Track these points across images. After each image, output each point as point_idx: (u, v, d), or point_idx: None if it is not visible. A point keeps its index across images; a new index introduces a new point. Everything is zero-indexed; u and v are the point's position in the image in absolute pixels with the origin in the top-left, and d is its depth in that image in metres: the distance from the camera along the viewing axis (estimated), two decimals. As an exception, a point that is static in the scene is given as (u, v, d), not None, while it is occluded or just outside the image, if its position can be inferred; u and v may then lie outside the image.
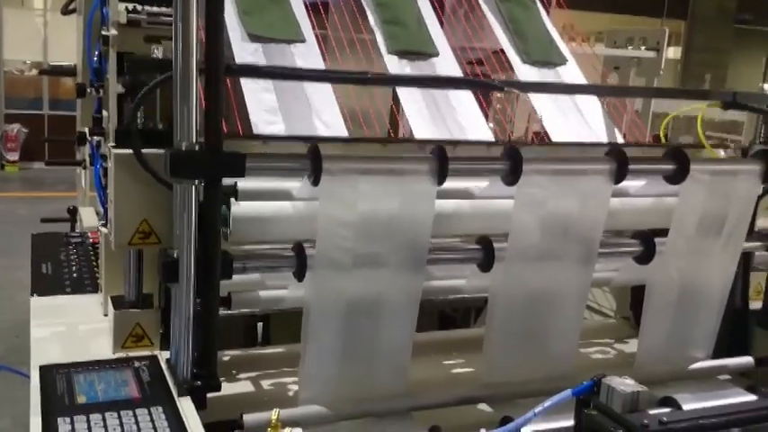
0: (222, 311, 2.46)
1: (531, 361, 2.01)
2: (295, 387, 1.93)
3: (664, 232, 2.09)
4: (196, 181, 1.55)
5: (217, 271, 1.61)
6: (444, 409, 1.92)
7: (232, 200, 1.71)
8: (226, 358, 2.16)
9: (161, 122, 1.82)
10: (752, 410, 1.89)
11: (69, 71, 3.36)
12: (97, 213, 3.00)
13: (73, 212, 3.34)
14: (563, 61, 2.60)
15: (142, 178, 1.69)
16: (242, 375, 2.10)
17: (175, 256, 1.60)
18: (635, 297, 2.59)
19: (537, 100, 2.49)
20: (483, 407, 1.99)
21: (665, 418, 1.63)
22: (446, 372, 2.25)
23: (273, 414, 1.03)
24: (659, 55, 3.04)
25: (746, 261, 2.30)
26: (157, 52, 1.82)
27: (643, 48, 3.08)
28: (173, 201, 1.60)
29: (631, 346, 2.37)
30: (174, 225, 1.62)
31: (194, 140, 1.54)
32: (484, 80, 2.47)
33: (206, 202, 1.58)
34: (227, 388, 1.98)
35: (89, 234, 2.82)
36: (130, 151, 1.64)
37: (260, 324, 2.65)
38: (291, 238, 1.79)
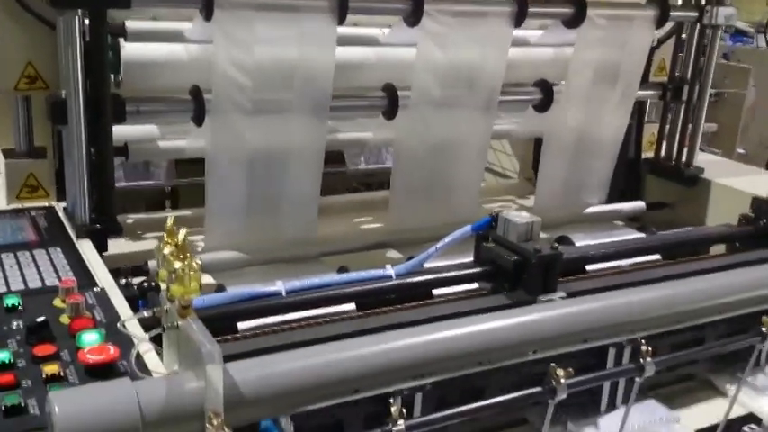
0: (126, 183, 2.43)
1: (435, 208, 2.07)
2: (203, 243, 1.93)
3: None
4: (79, 11, 1.47)
5: (108, 112, 1.56)
6: (353, 255, 1.96)
7: (121, 41, 1.65)
8: (130, 221, 2.12)
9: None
10: (639, 244, 2.03)
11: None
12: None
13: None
14: None
15: (24, 20, 1.62)
16: (148, 235, 2.07)
17: (63, 96, 1.53)
18: (537, 158, 2.67)
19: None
20: (391, 254, 2.05)
21: (556, 244, 1.72)
22: (356, 227, 2.29)
23: (169, 220, 1.02)
24: None
25: (640, 111, 2.40)
26: None
27: None
28: (57, 39, 1.53)
29: (532, 201, 2.46)
30: (59, 64, 1.55)
31: (74, -31, 1.45)
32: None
33: (92, 38, 1.51)
34: (134, 246, 1.97)
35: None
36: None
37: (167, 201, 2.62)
38: (188, 86, 1.74)
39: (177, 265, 1.00)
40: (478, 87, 1.98)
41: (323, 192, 1.95)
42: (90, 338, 1.11)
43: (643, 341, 1.29)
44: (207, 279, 1.72)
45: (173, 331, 1.05)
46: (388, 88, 1.93)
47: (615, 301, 1.32)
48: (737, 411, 1.61)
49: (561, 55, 2.19)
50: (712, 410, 1.61)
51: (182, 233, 1.01)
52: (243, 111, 1.69)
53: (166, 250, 1.02)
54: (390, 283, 1.64)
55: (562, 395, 1.18)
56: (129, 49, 1.66)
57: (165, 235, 1.03)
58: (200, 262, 1.01)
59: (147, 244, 2.02)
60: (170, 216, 1.04)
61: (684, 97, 2.32)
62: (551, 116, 2.16)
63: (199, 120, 1.68)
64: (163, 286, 1.04)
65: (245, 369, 1.03)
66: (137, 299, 1.37)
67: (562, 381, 1.18)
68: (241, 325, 1.48)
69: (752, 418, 1.63)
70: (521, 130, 2.33)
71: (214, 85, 1.65)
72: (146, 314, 1.11)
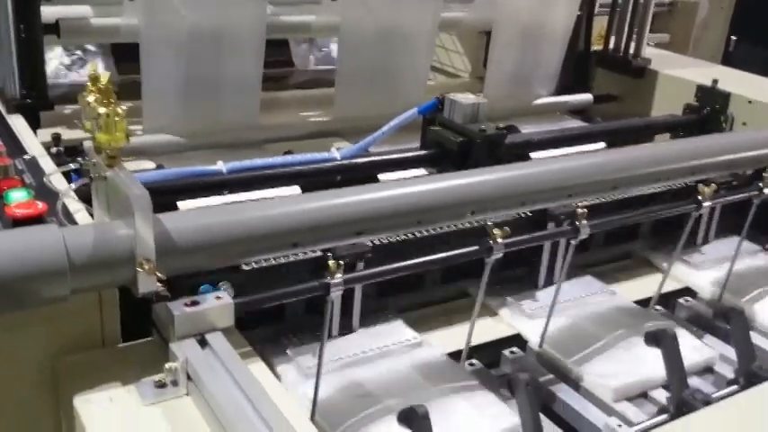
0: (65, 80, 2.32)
1: (381, 96, 2.04)
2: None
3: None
4: None
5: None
6: (298, 143, 1.93)
7: None
8: (67, 111, 2.04)
9: None
10: (584, 131, 2.04)
11: None
12: None
13: None
14: None
15: None
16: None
17: (-16, -37, 1.45)
18: (488, 57, 2.64)
19: None
20: (338, 143, 2.02)
21: (501, 125, 1.72)
22: (304, 119, 2.24)
23: (90, 66, 0.98)
24: None
25: (591, 3, 2.37)
26: None
27: None
28: None
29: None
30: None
31: None
32: None
33: None
34: (70, 134, 1.90)
35: None
36: None
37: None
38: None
39: (102, 110, 0.96)
40: (426, -31, 1.93)
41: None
42: (18, 196, 1.09)
43: (578, 205, 1.31)
44: (146, 163, 1.68)
45: (101, 183, 1.03)
46: (332, -34, 1.87)
47: (552, 166, 1.33)
48: (674, 285, 1.66)
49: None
50: (648, 285, 1.65)
51: (104, 77, 0.96)
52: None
53: (90, 98, 0.98)
54: (335, 163, 1.63)
55: (498, 254, 1.19)
56: None
57: (88, 83, 0.99)
58: (125, 108, 0.97)
59: (84, 133, 1.96)
60: (92, 63, 0.99)
61: (634, -15, 2.29)
62: (501, 3, 2.12)
63: (132, -7, 1.61)
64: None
65: (179, 219, 1.02)
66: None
67: (499, 240, 1.19)
68: (181, 204, 1.45)
69: (687, 291, 1.68)
70: (470, 18, 2.29)
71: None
72: (72, 166, 1.08)
